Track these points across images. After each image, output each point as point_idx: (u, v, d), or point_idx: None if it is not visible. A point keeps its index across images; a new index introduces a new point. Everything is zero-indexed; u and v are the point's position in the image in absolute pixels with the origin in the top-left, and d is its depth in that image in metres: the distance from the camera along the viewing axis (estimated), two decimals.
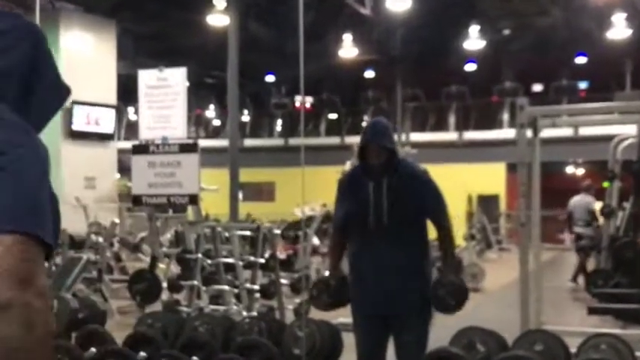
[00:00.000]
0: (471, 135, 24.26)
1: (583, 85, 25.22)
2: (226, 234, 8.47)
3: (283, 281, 7.47)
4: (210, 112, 30.03)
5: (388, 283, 3.81)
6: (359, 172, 3.96)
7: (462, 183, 22.00)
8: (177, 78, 6.32)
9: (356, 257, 3.97)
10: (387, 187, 3.83)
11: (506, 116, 24.10)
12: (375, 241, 3.83)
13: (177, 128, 6.32)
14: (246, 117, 28.73)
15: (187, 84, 6.26)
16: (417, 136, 24.36)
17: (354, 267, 4.00)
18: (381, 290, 3.83)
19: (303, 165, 4.19)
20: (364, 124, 25.54)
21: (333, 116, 27.87)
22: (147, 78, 6.43)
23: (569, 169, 27.39)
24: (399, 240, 3.81)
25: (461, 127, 24.76)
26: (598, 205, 10.56)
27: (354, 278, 3.99)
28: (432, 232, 3.98)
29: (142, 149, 6.47)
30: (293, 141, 25.01)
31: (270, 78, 27.83)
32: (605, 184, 9.93)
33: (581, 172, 27.39)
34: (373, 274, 3.84)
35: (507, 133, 21.85)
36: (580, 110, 7.26)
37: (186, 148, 6.35)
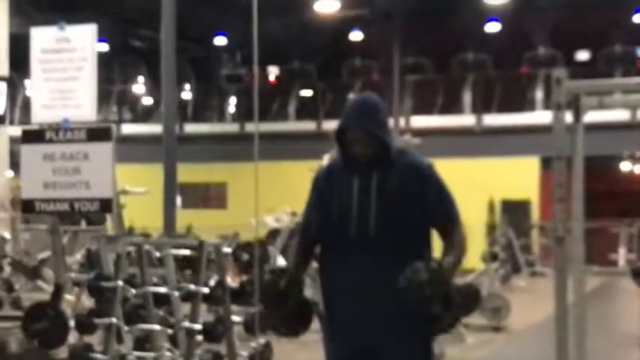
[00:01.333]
0: (493, 119, 24.39)
1: None
2: (158, 253, 8.41)
3: (235, 318, 7.44)
4: (139, 86, 29.88)
5: (373, 316, 3.79)
6: (339, 166, 3.95)
7: (481, 184, 22.08)
8: (84, 39, 6.24)
9: (330, 278, 3.94)
10: (376, 185, 3.81)
11: (539, 94, 24.25)
12: (358, 258, 3.81)
13: (84, 107, 6.24)
14: (187, 93, 28.62)
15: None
16: (420, 121, 24.45)
17: (326, 291, 3.97)
18: (362, 325, 3.81)
19: (257, 159, 4.15)
20: None
21: (306, 93, 27.83)
22: (42, 39, 6.35)
23: (625, 166, 27.64)
24: (391, 257, 3.79)
25: (479, 108, 24.87)
26: None
27: (325, 306, 3.97)
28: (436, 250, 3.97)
29: (35, 136, 6.38)
30: (252, 127, 24.94)
31: (220, 40, 27.73)
32: None
33: None
34: (352, 301, 3.82)
35: (541, 116, 21.95)
36: (638, 85, 7.27)
37: (97, 135, 6.26)
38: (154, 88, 26.83)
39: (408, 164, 3.89)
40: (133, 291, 7.28)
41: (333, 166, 4.05)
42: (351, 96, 26.00)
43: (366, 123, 3.82)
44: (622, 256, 22.11)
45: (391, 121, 20.44)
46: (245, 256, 9.18)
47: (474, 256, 16.90)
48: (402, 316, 3.80)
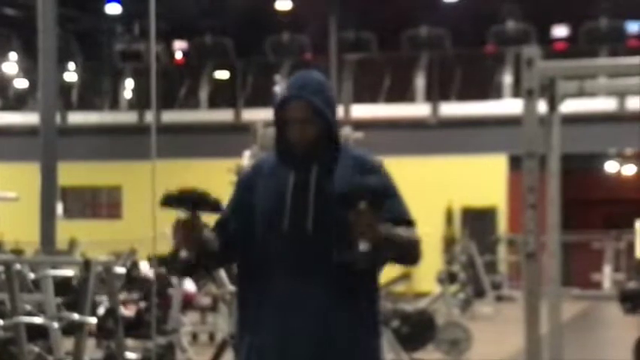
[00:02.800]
0: (452, 109, 24.59)
1: (634, 27, 25.87)
2: (33, 275, 8.31)
3: (130, 356, 7.39)
4: (11, 65, 29.52)
5: (306, 351, 3.80)
6: (271, 161, 3.95)
7: (437, 188, 22.24)
8: None
9: (252, 302, 3.92)
10: (316, 183, 3.82)
11: (508, 78, 24.54)
12: (289, 278, 3.80)
13: None
14: (72, 74, 28.33)
15: None
16: (362, 110, 24.53)
17: (245, 319, 3.96)
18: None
19: (155, 158, 4.13)
20: (277, 88, 25.55)
21: (222, 74, 27.74)
22: None
23: (610, 166, 28.12)
24: (331, 279, 3.79)
25: (435, 95, 25.06)
26: None
27: (246, 348, 3.95)
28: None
29: None
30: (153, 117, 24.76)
31: (113, 8, 27.51)
32: None
33: (631, 170, 28.14)
34: (279, 341, 3.82)
35: (510, 105, 22.22)
36: (627, 68, 7.38)
37: None
38: (29, 67, 26.46)
39: (353, 158, 3.91)
40: (1, 321, 7.19)
41: (262, 162, 4.05)
42: (279, 78, 26.04)
43: (312, 97, 3.81)
44: (607, 276, 22.44)
45: None
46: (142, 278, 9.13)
47: (428, 277, 17.04)
48: (343, 349, 3.82)
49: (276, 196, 3.84)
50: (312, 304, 3.80)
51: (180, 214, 3.78)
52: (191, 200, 3.77)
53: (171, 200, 3.79)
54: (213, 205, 3.81)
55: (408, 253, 3.86)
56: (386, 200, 3.79)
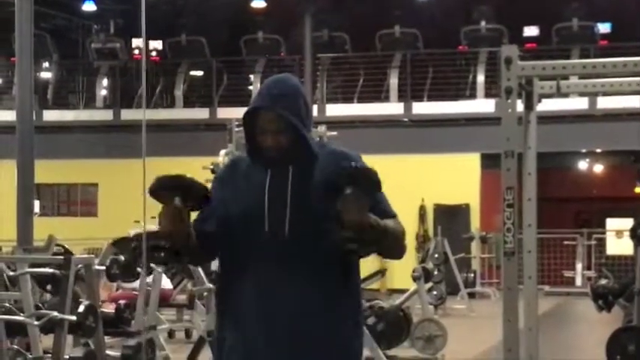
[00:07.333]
0: (425, 108, 24.62)
1: (604, 27, 26.00)
2: (10, 272, 8.27)
3: (110, 353, 7.36)
4: None
5: (284, 346, 3.80)
6: (246, 160, 3.96)
7: (411, 186, 22.26)
8: None
9: (231, 300, 3.91)
10: (293, 180, 3.81)
11: (481, 78, 24.59)
12: (266, 277, 3.80)
13: None
14: (48, 73, 28.19)
15: None
16: (336, 109, 24.53)
17: (225, 316, 3.95)
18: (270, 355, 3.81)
19: (145, 156, 4.10)
20: (253, 87, 25.52)
21: (197, 73, 27.68)
22: None
23: (582, 165, 28.25)
24: (311, 275, 3.79)
25: (408, 94, 25.09)
26: None
27: (227, 344, 3.94)
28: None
29: None
30: (129, 114, 24.72)
31: (88, 6, 27.41)
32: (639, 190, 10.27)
33: (599, 168, 28.30)
34: (260, 336, 3.81)
35: (484, 105, 22.28)
36: (599, 68, 7.39)
37: None
38: (5, 65, 26.33)
39: (332, 153, 3.91)
40: None
41: (239, 160, 4.04)
42: (253, 78, 25.99)
43: (283, 107, 3.80)
44: (579, 273, 22.53)
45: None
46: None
47: (402, 274, 17.03)
48: (321, 345, 3.81)
49: (254, 195, 3.83)
50: (293, 303, 3.80)
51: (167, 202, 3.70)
52: (184, 187, 3.72)
53: (164, 186, 3.72)
54: (203, 196, 3.77)
55: (397, 245, 3.88)
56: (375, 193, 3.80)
